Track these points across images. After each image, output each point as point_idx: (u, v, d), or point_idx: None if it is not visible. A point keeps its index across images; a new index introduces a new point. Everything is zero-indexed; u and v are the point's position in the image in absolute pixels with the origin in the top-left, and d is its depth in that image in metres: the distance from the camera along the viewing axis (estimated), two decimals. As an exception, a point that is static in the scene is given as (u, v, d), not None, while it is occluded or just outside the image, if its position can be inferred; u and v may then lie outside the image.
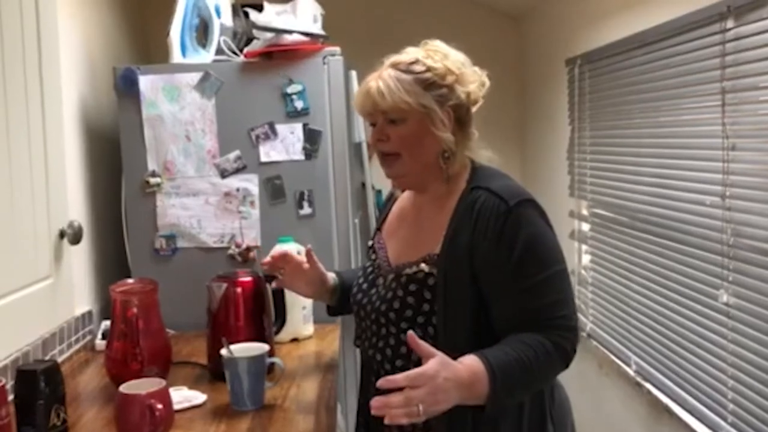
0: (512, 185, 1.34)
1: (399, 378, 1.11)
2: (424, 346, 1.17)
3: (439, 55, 1.34)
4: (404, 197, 1.51)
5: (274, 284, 1.62)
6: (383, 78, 1.32)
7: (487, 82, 1.37)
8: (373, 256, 1.49)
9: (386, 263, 1.44)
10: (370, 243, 1.54)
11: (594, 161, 2.77)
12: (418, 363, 1.19)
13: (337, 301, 1.60)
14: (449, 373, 1.14)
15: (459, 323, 1.28)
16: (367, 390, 1.45)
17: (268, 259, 1.56)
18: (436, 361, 1.14)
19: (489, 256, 1.26)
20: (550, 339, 1.24)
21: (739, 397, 1.83)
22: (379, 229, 1.54)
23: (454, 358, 1.19)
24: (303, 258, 1.56)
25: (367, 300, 1.42)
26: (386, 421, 1.09)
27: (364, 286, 1.46)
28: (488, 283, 1.27)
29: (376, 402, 1.09)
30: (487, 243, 1.26)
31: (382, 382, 1.12)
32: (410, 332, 1.19)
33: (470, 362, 1.18)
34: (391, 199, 1.56)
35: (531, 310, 1.26)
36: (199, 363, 1.79)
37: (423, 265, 1.33)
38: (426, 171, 1.36)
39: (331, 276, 1.60)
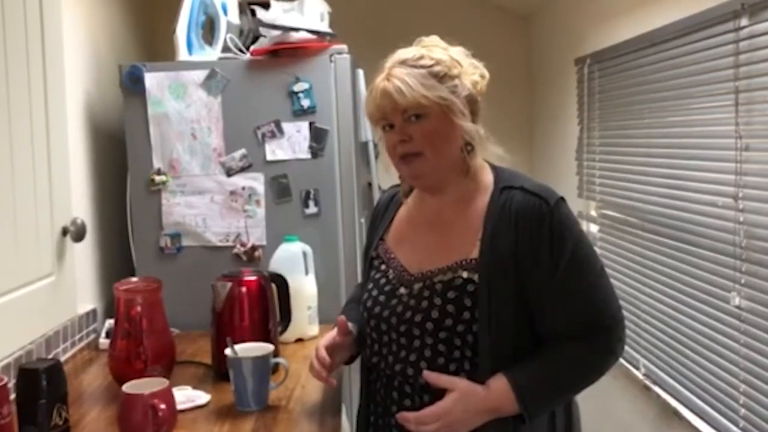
0: (542, 184, 1.30)
1: (410, 417, 1.21)
2: (444, 380, 1.22)
3: (439, 48, 1.31)
4: (409, 204, 1.42)
5: (332, 383, 1.36)
6: (396, 76, 1.26)
7: (487, 74, 1.33)
8: (383, 267, 1.39)
9: (404, 272, 1.34)
10: (373, 253, 1.43)
11: (603, 162, 2.74)
12: (456, 374, 1.26)
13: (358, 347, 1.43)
14: (467, 404, 1.20)
15: (503, 329, 1.24)
16: (374, 399, 1.38)
17: (324, 376, 1.34)
18: (453, 398, 1.21)
19: (538, 260, 1.23)
20: (594, 344, 1.27)
21: (751, 401, 1.80)
22: (382, 238, 1.43)
23: (496, 364, 1.23)
24: (336, 337, 1.37)
25: (390, 312, 1.32)
26: None
27: (381, 298, 1.35)
28: (537, 287, 1.24)
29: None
30: (533, 247, 1.23)
31: (399, 418, 1.23)
32: (425, 372, 1.24)
33: (497, 385, 1.22)
34: (390, 205, 1.47)
35: (583, 314, 1.26)
36: (203, 363, 1.78)
37: (461, 272, 1.26)
38: (447, 168, 1.30)
39: (351, 325, 1.41)
